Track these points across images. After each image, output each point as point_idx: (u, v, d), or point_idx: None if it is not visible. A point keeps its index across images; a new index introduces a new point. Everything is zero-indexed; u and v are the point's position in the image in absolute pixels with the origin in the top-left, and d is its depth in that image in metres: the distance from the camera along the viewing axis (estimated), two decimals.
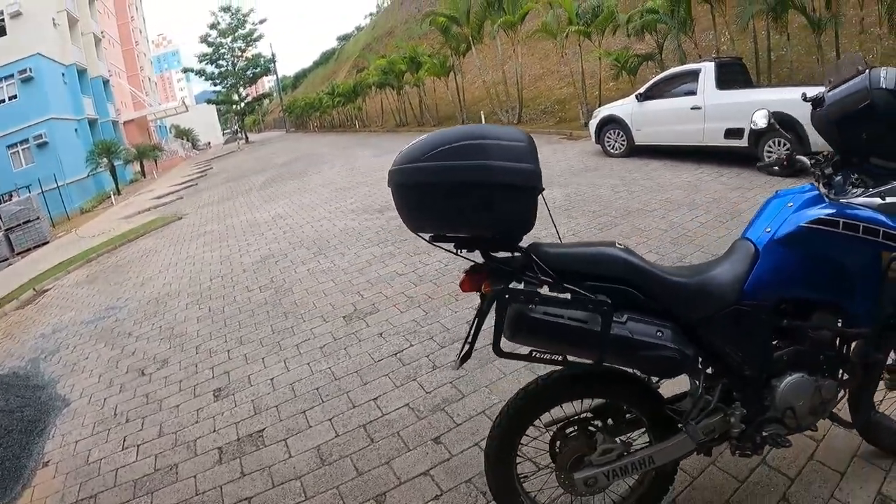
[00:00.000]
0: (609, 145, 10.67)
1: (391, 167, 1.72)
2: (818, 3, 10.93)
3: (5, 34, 28.04)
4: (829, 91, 2.07)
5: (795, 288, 1.95)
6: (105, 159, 29.17)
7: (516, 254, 1.82)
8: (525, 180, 1.63)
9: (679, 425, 1.99)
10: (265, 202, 12.78)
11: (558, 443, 2.04)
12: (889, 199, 1.99)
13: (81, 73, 33.02)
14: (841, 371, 2.09)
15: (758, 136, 8.18)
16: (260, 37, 52.86)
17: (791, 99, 8.00)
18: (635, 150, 10.24)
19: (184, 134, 58.19)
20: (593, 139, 11.14)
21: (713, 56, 10.99)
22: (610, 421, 2.05)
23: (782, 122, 7.21)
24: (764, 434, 2.01)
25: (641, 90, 10.08)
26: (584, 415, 2.04)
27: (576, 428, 2.03)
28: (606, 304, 1.71)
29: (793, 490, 2.37)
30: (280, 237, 8.76)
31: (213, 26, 51.04)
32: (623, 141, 10.42)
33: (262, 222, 10.36)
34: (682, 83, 9.41)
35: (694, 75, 9.18)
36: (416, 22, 32.46)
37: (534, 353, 1.84)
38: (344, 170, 15.92)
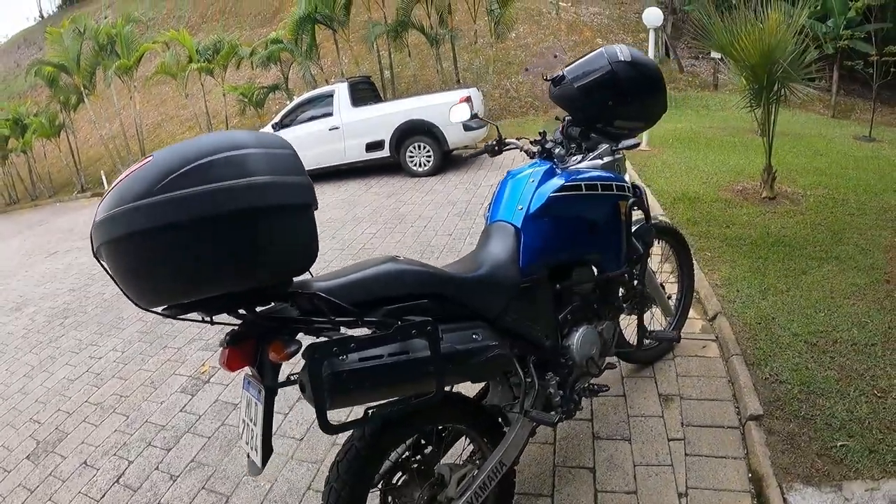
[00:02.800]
0: None
1: (96, 219, 1.17)
2: (435, 21, 12.29)
3: None
4: (566, 68, 2.32)
5: (560, 253, 2.06)
6: None
7: (284, 301, 1.42)
8: (303, 197, 1.26)
9: (501, 420, 1.98)
10: None
11: (391, 498, 1.78)
12: (607, 160, 2.28)
13: None
14: (610, 310, 2.34)
15: (397, 144, 8.76)
16: None
17: (422, 106, 8.86)
18: None
19: None
20: None
21: (342, 78, 11.43)
22: (431, 448, 1.83)
23: (419, 127, 7.88)
24: (578, 390, 2.14)
25: (276, 119, 9.89)
26: (404, 455, 1.78)
27: (402, 472, 1.77)
28: (430, 323, 1.47)
29: (598, 427, 2.63)
30: None
31: None
32: None
33: None
34: (317, 106, 9.54)
35: (328, 97, 9.38)
36: (15, 77, 27.42)
37: (369, 412, 1.50)
38: None
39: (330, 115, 9.24)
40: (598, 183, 2.11)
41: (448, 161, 9.03)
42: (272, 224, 1.20)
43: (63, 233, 11.46)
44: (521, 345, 1.93)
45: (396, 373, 1.48)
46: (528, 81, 14.66)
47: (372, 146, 9.00)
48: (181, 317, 1.29)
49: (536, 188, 2.05)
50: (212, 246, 1.13)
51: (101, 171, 17.44)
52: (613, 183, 2.16)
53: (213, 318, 1.32)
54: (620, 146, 2.30)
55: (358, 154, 9.14)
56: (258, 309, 1.37)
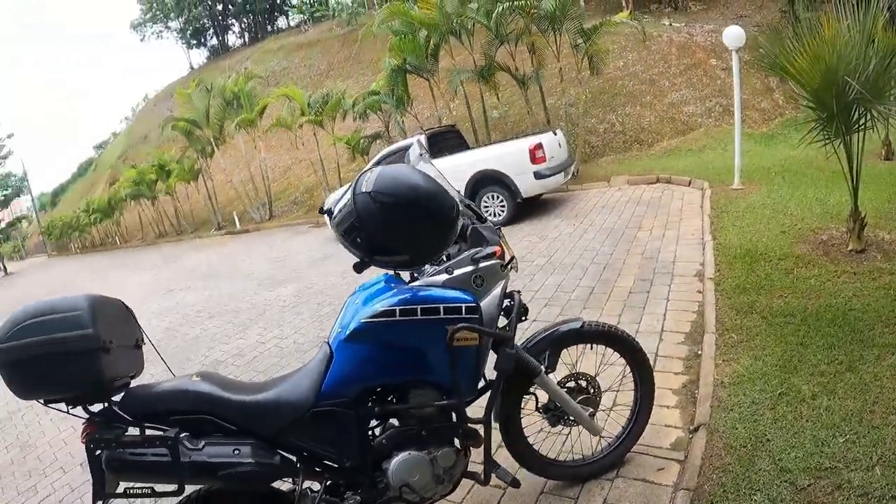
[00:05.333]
0: None
1: None
2: (521, 62, 12.07)
3: None
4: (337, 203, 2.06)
5: (376, 377, 2.02)
6: None
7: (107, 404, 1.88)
8: (82, 345, 1.73)
9: None
10: None
11: None
12: (457, 273, 2.06)
13: None
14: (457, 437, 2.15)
15: (472, 195, 8.74)
16: (9, 153, 46.37)
17: (494, 156, 8.89)
18: None
19: None
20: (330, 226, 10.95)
21: (419, 130, 11.38)
22: None
23: (491, 178, 7.41)
24: None
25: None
26: None
27: None
28: (171, 438, 1.81)
29: None
30: None
31: None
32: None
33: None
34: (399, 159, 9.68)
35: (406, 150, 9.47)
36: (167, 124, 31.36)
37: (127, 490, 1.87)
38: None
39: None
40: (419, 307, 1.94)
41: (523, 210, 8.91)
42: (55, 363, 1.72)
43: (186, 272, 12.68)
44: (312, 462, 2.04)
45: (149, 467, 1.82)
46: (634, 113, 13.93)
47: None
48: (52, 406, 1.81)
49: (359, 309, 1.99)
50: (36, 372, 1.72)
51: (234, 213, 19.25)
52: (441, 305, 1.95)
53: (70, 410, 1.83)
54: (479, 255, 2.10)
55: None
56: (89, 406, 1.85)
